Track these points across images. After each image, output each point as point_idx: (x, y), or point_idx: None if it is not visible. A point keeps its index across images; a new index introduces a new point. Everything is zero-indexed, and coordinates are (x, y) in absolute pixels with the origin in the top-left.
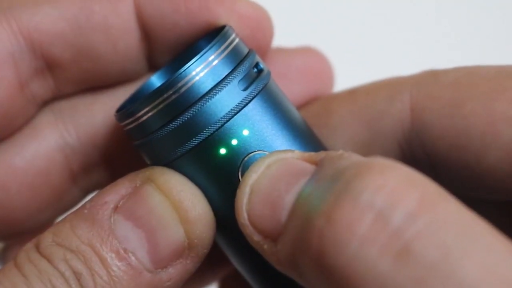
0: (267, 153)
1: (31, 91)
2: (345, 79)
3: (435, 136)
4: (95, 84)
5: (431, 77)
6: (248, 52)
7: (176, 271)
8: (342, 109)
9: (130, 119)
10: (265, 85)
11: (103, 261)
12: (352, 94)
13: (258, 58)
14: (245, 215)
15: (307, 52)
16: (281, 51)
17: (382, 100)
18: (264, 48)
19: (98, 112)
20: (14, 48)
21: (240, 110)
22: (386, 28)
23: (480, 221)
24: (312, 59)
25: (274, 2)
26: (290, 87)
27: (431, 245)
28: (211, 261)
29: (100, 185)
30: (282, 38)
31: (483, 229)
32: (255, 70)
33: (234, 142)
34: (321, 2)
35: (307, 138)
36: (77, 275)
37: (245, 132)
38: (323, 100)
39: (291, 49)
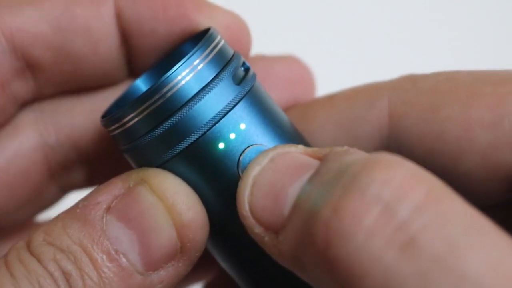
0: (265, 146)
1: (12, 91)
2: (326, 87)
3: (412, 142)
4: (76, 86)
5: (409, 82)
6: (233, 54)
7: (167, 273)
8: (320, 115)
9: (117, 125)
10: (255, 82)
11: (93, 262)
12: (331, 99)
13: (243, 59)
14: (246, 206)
15: (288, 60)
16: (261, 58)
17: (360, 105)
18: None
19: (79, 114)
20: None
21: (236, 104)
22: (367, 35)
23: (484, 218)
24: (292, 67)
25: (254, 11)
26: (271, 95)
27: (436, 238)
28: (199, 261)
29: (79, 185)
30: (262, 46)
31: (488, 225)
32: (243, 68)
33: (232, 136)
34: (301, 10)
35: (298, 134)
36: (67, 276)
37: (242, 126)
38: (302, 106)
39: (272, 57)
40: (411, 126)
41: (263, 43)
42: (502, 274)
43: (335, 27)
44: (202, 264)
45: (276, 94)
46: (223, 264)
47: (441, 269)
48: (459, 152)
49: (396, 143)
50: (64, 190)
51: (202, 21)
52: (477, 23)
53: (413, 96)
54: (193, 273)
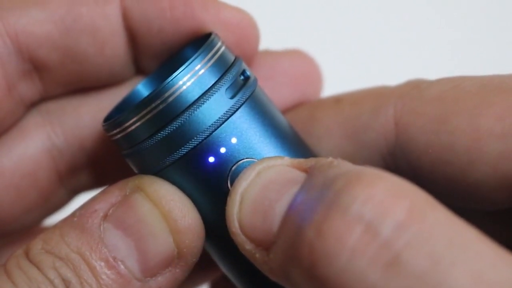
0: (256, 160)
1: (18, 93)
2: (334, 82)
3: (420, 151)
4: (83, 86)
5: (415, 90)
6: (234, 60)
7: (165, 279)
8: (327, 119)
9: (118, 130)
10: (252, 92)
11: (92, 269)
12: (338, 103)
13: (244, 66)
14: (236, 223)
15: (295, 55)
16: (269, 53)
17: (366, 112)
18: (250, 54)
19: (86, 114)
20: (1, 50)
21: (227, 119)
22: (376, 31)
23: (469, 228)
24: (299, 62)
25: (262, 5)
26: (278, 90)
27: (420, 255)
28: (202, 264)
29: (87, 186)
30: (270, 41)
31: (472, 236)
32: (242, 77)
33: (222, 150)
34: (308, 5)
35: (295, 144)
36: (66, 283)
37: (233, 140)
38: (309, 107)
39: (279, 52)
40: (418, 136)
41: (270, 39)
42: (487, 284)
43: (340, 23)
44: (207, 265)
45: (283, 90)
46: (221, 268)
47: (427, 286)
48: (468, 162)
49: (402, 151)
50: (72, 193)
51: (209, 20)
52: (483, 23)
53: (420, 105)
54: (198, 275)
